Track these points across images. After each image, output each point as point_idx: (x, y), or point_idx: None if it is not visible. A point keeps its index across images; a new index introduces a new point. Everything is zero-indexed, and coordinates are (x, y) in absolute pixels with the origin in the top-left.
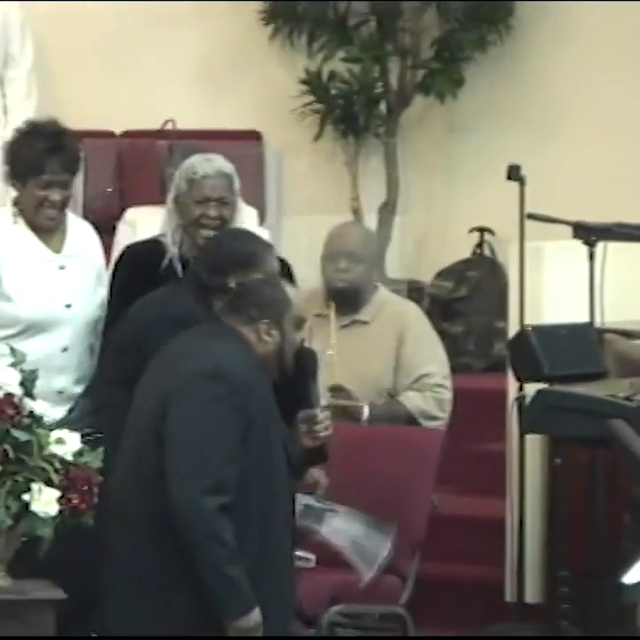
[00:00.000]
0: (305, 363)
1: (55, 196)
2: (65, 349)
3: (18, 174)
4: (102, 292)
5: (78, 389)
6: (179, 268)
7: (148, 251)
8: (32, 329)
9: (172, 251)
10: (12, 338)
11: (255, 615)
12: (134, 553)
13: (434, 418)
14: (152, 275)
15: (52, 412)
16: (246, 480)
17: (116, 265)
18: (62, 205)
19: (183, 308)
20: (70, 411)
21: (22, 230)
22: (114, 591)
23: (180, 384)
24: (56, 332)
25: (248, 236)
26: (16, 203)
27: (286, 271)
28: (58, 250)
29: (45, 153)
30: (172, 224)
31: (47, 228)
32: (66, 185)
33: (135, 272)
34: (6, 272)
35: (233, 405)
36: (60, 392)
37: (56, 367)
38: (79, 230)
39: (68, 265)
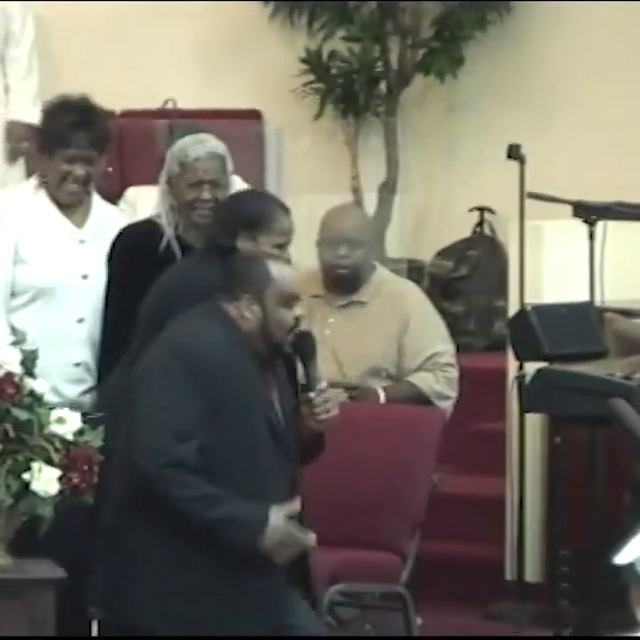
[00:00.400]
0: (302, 345)
1: (79, 170)
2: (81, 320)
3: (45, 146)
4: None
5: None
6: (176, 248)
7: (145, 232)
8: (45, 296)
9: (169, 232)
10: (28, 305)
11: (274, 527)
12: (123, 530)
13: (446, 397)
14: (151, 257)
15: (66, 389)
16: (227, 461)
17: (113, 247)
18: (85, 181)
19: (209, 278)
20: (87, 391)
21: (44, 202)
22: (109, 569)
23: (148, 361)
24: (72, 303)
25: (259, 195)
26: (41, 175)
27: None
28: (80, 225)
29: (72, 127)
30: (165, 205)
31: (69, 203)
32: (91, 161)
33: (134, 254)
34: (24, 238)
35: (190, 384)
36: (78, 364)
37: (74, 339)
38: (104, 211)
39: (89, 240)
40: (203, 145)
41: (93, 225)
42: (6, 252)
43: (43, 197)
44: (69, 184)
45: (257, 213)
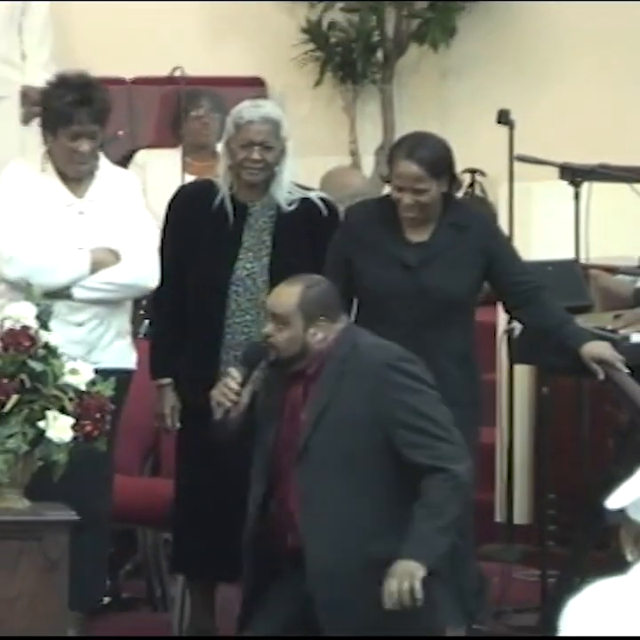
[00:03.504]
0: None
1: (84, 146)
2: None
3: (48, 125)
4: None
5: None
6: (229, 207)
7: (201, 189)
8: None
9: (224, 190)
10: None
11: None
12: None
13: None
14: (204, 212)
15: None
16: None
17: (170, 203)
18: (91, 155)
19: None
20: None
21: (50, 177)
22: None
23: None
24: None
25: (406, 137)
26: (49, 152)
27: (332, 217)
28: (81, 195)
29: (73, 104)
30: (223, 165)
31: (78, 178)
32: (94, 135)
33: (188, 210)
34: (26, 210)
35: None
36: (80, 324)
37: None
38: (109, 176)
39: (88, 210)
40: (257, 109)
41: (94, 193)
42: (20, 209)
43: (50, 170)
44: (77, 160)
45: (389, 156)
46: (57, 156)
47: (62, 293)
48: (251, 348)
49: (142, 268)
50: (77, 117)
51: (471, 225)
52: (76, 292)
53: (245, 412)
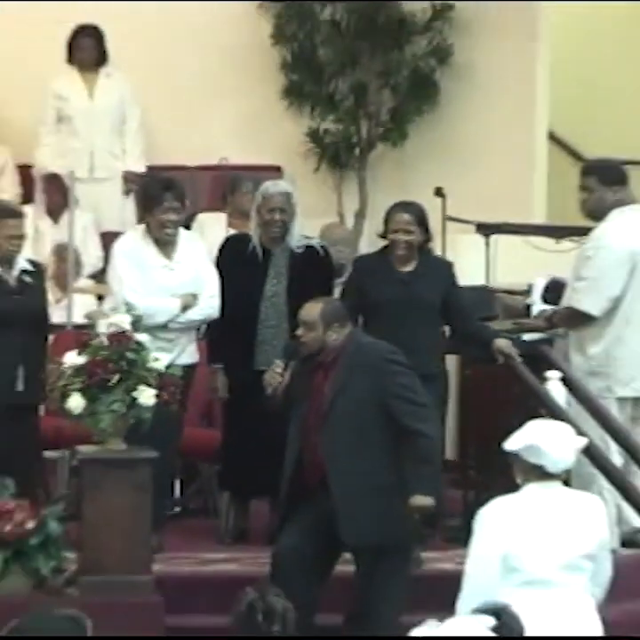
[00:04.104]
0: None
1: (172, 216)
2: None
3: (147, 206)
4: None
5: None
6: (259, 251)
7: (239, 241)
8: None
9: (255, 240)
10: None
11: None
12: None
13: None
14: (241, 257)
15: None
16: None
17: (220, 249)
18: (176, 225)
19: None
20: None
21: (149, 245)
22: None
23: None
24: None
25: (399, 202)
26: (147, 227)
27: (327, 256)
28: (170, 257)
29: (164, 189)
30: (254, 224)
31: (168, 242)
32: (178, 211)
33: (230, 255)
34: (134, 270)
35: None
36: (169, 340)
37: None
38: (187, 243)
39: (176, 268)
40: (276, 185)
41: (179, 256)
42: (131, 270)
43: (149, 241)
44: (168, 229)
45: (386, 215)
46: (153, 227)
47: (162, 326)
48: (288, 346)
49: (211, 308)
50: (167, 198)
51: (436, 267)
52: (171, 325)
53: (285, 389)
